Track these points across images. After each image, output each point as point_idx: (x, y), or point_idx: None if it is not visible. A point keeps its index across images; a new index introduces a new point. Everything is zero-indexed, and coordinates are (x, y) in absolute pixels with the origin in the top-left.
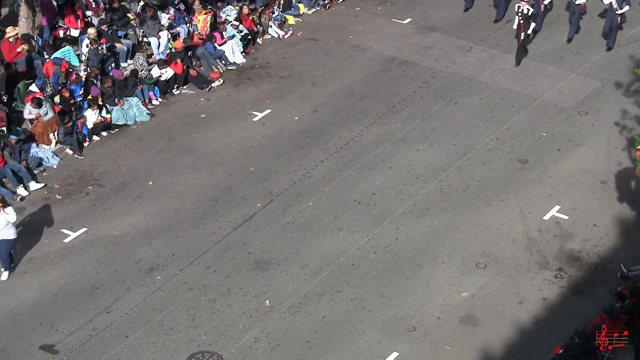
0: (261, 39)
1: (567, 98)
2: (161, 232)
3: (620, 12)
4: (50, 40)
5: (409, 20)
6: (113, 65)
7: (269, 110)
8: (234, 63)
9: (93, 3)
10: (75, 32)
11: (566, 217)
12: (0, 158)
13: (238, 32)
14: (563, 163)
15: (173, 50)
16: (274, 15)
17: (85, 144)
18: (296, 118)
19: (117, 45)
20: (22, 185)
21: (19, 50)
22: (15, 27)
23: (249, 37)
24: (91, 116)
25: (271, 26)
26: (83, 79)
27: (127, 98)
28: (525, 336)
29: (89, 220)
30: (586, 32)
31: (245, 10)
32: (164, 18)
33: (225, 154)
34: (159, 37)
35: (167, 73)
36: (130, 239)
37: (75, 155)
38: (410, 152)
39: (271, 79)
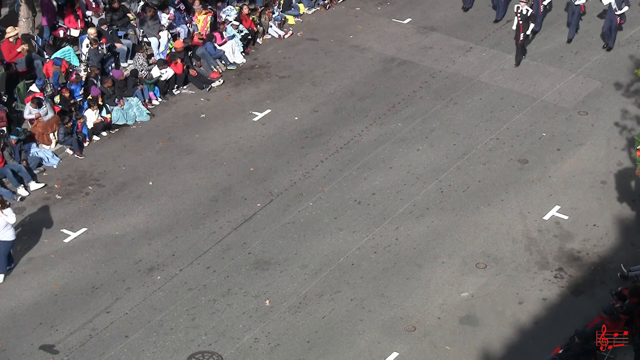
0: (261, 39)
1: (567, 98)
2: (161, 232)
3: (619, 12)
4: (50, 40)
5: (409, 20)
6: (113, 65)
7: (269, 110)
8: (234, 63)
9: (93, 3)
10: (75, 32)
11: (566, 217)
12: (0, 158)
13: (238, 32)
14: (563, 163)
15: (173, 50)
16: (274, 15)
17: (85, 144)
18: (296, 118)
19: (117, 45)
20: (22, 185)
21: (19, 50)
22: (15, 27)
23: (249, 37)
24: (91, 116)
25: (271, 26)
26: (83, 79)
27: (127, 98)
28: (525, 336)
29: (89, 220)
30: (586, 33)
31: (245, 10)
32: (164, 18)
33: (225, 154)
34: (159, 37)
35: (167, 73)
36: (130, 239)
37: (75, 155)
38: (410, 152)
39: (271, 79)
